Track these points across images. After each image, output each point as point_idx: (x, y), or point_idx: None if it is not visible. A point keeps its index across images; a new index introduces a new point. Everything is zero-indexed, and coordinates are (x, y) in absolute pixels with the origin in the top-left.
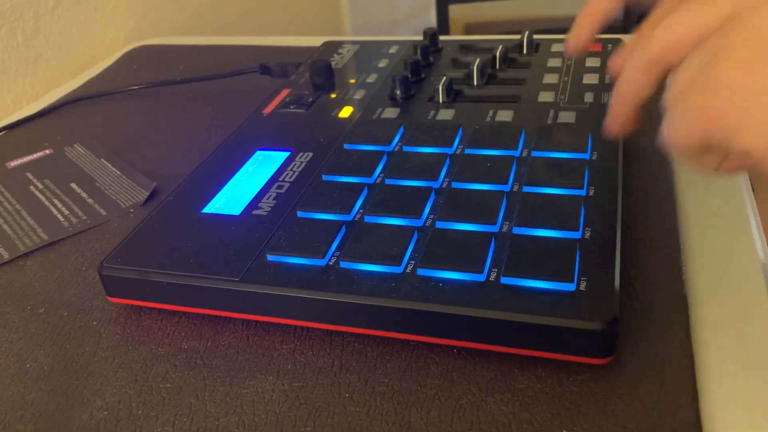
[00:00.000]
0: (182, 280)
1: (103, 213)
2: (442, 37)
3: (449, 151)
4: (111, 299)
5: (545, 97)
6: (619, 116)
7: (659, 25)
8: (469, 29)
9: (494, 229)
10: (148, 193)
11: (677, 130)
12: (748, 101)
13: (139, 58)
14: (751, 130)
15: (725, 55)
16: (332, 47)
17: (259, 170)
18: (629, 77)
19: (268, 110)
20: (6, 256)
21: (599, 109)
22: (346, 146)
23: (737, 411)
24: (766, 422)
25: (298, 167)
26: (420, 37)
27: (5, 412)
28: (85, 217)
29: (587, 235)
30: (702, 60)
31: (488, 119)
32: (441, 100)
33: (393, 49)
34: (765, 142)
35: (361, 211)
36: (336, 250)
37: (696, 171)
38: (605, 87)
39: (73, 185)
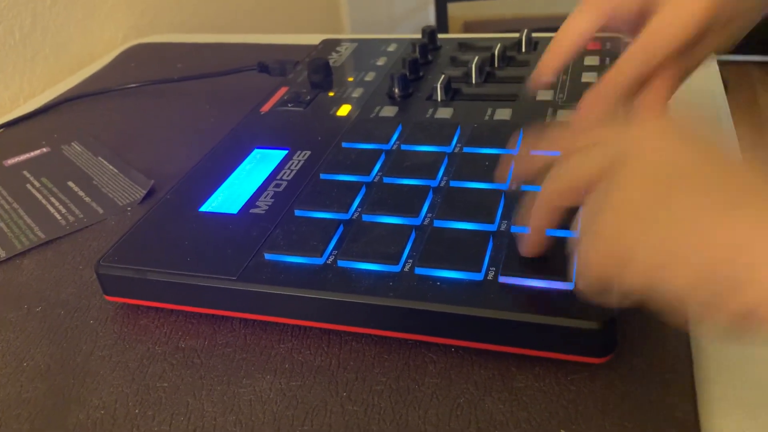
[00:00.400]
0: (179, 279)
1: (101, 211)
2: (440, 36)
3: (447, 149)
4: (108, 298)
5: (544, 95)
6: (532, 246)
7: (551, 177)
8: (467, 27)
9: (492, 227)
10: (145, 192)
11: (585, 269)
12: (625, 247)
13: (137, 56)
14: (632, 270)
15: (602, 211)
16: (330, 45)
17: (256, 169)
18: (533, 219)
19: (266, 108)
20: (3, 254)
21: None
22: (344, 145)
23: (735, 410)
24: (764, 421)
25: (295, 166)
26: (419, 36)
27: (2, 411)
28: (82, 216)
29: None
30: (592, 211)
31: (486, 118)
32: (439, 99)
33: (391, 48)
34: (642, 281)
35: (359, 209)
36: (334, 249)
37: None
38: None
39: (71, 183)
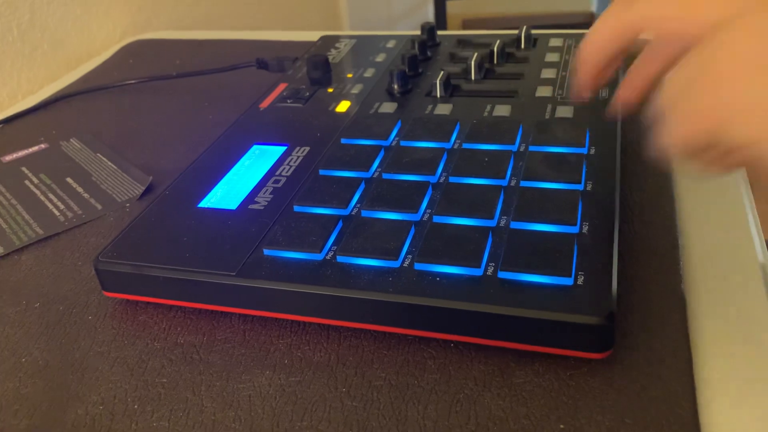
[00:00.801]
0: (178, 275)
1: (99, 207)
2: (439, 32)
3: (447, 145)
4: (107, 294)
5: (543, 91)
6: (584, 74)
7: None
8: (466, 25)
9: (491, 223)
10: (144, 188)
11: (678, 131)
12: (749, 96)
13: (135, 52)
14: (752, 122)
15: (724, 56)
16: (329, 42)
17: (255, 164)
18: (598, 35)
19: (264, 104)
20: (1, 250)
21: (597, 104)
22: (343, 141)
23: (734, 406)
24: (764, 418)
25: (294, 162)
26: (418, 32)
27: (0, 407)
28: (80, 212)
29: (585, 229)
30: (695, 64)
31: (486, 114)
32: (438, 95)
33: (390, 44)
34: (764, 134)
35: (358, 205)
36: (333, 245)
37: (696, 171)
38: None
39: (69, 180)
